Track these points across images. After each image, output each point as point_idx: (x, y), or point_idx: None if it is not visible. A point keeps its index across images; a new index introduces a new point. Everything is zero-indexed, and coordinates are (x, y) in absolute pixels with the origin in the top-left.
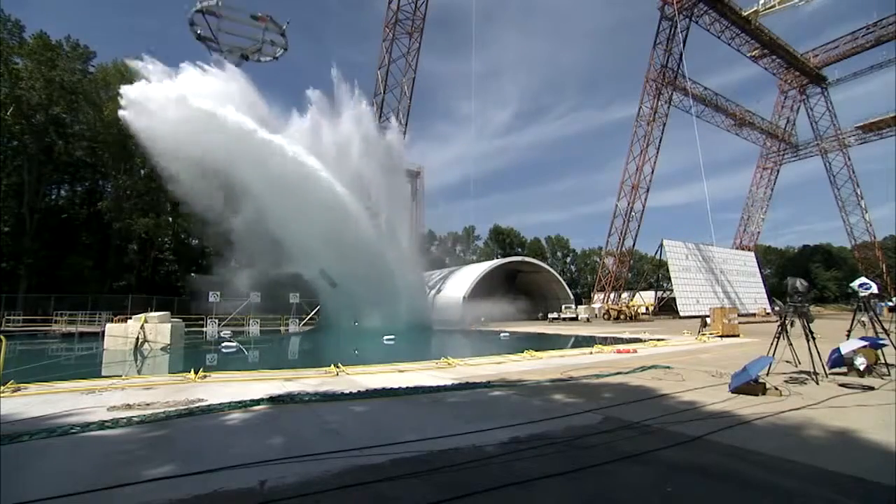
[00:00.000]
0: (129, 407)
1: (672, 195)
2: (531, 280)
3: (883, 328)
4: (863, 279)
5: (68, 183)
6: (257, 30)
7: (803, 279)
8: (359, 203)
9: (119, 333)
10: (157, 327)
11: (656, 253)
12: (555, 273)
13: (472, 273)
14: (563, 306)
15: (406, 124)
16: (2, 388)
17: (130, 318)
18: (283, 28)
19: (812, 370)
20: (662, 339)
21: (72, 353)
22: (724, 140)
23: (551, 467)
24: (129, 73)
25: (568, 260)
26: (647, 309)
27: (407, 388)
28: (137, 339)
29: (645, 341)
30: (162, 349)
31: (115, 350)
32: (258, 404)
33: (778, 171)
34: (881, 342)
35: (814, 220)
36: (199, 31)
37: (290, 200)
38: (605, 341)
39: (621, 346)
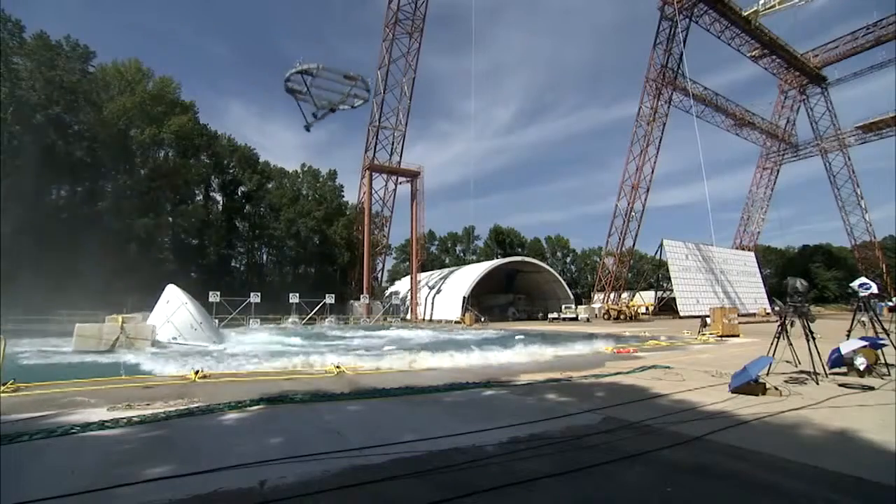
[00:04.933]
0: (129, 407)
1: (672, 195)
2: (531, 280)
3: (883, 328)
4: (863, 279)
5: (68, 183)
6: (345, 85)
7: (803, 279)
8: None
9: (91, 334)
10: (137, 327)
11: (656, 253)
12: (555, 273)
13: (472, 273)
14: (563, 306)
15: (406, 124)
16: (2, 387)
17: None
18: (368, 84)
19: (812, 370)
20: (672, 341)
21: (71, 353)
22: (724, 140)
23: (551, 467)
24: (128, 73)
25: (568, 260)
26: (647, 309)
27: (406, 387)
28: (116, 339)
29: (646, 340)
30: (152, 349)
31: (87, 351)
32: (258, 404)
33: (778, 171)
34: (881, 342)
35: (814, 220)
36: (291, 86)
37: None
38: (605, 341)
39: (622, 346)
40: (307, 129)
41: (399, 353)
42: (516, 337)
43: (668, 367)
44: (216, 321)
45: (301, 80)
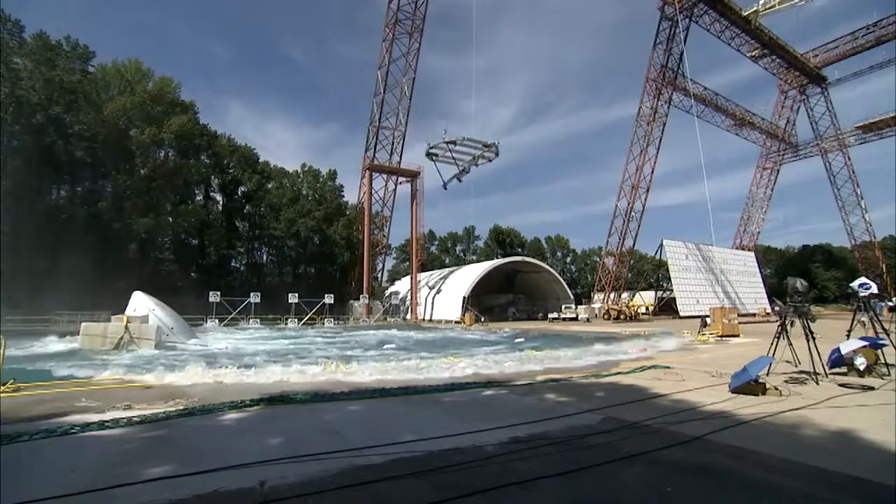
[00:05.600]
0: (129, 407)
1: (672, 195)
2: (531, 280)
3: (883, 328)
4: (863, 279)
5: (68, 183)
6: (480, 149)
7: (803, 279)
8: None
9: (97, 333)
10: (141, 327)
11: (656, 253)
12: (555, 273)
13: (472, 273)
14: (563, 306)
15: (406, 124)
16: (2, 387)
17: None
18: (497, 148)
19: (812, 370)
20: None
21: (71, 353)
22: (724, 140)
23: (551, 467)
24: (128, 73)
25: (568, 260)
26: (647, 309)
27: (405, 387)
28: (121, 339)
29: (647, 337)
30: (154, 348)
31: (93, 350)
32: (257, 404)
33: (778, 171)
34: (881, 342)
35: (814, 220)
36: (433, 152)
37: None
38: (605, 341)
39: (621, 346)
40: (445, 187)
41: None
42: (515, 340)
43: (668, 367)
44: (213, 321)
45: (445, 147)
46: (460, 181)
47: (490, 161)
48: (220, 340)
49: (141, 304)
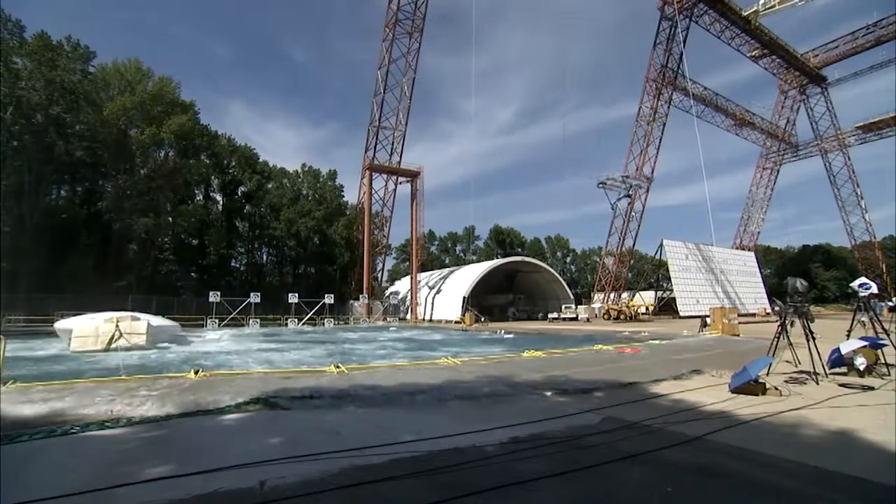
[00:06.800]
0: (128, 407)
1: (672, 195)
2: (531, 280)
3: (883, 328)
4: (863, 279)
5: (68, 183)
6: (639, 181)
7: (803, 279)
8: None
9: (88, 333)
10: (132, 325)
11: (656, 253)
12: (555, 273)
13: (472, 273)
14: (563, 306)
15: (406, 124)
16: (2, 387)
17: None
18: (650, 181)
19: (812, 370)
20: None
21: (71, 353)
22: (724, 140)
23: (551, 467)
24: (128, 73)
25: (568, 260)
26: (647, 309)
27: (405, 387)
28: (112, 338)
29: (645, 340)
30: (143, 348)
31: (84, 350)
32: (257, 404)
33: (778, 171)
34: (881, 342)
35: (814, 220)
36: (606, 182)
37: None
38: (605, 340)
39: (622, 345)
40: (612, 208)
41: None
42: (505, 336)
43: None
44: (212, 321)
45: (620, 180)
46: (628, 202)
47: (640, 188)
48: (212, 342)
49: (67, 329)
